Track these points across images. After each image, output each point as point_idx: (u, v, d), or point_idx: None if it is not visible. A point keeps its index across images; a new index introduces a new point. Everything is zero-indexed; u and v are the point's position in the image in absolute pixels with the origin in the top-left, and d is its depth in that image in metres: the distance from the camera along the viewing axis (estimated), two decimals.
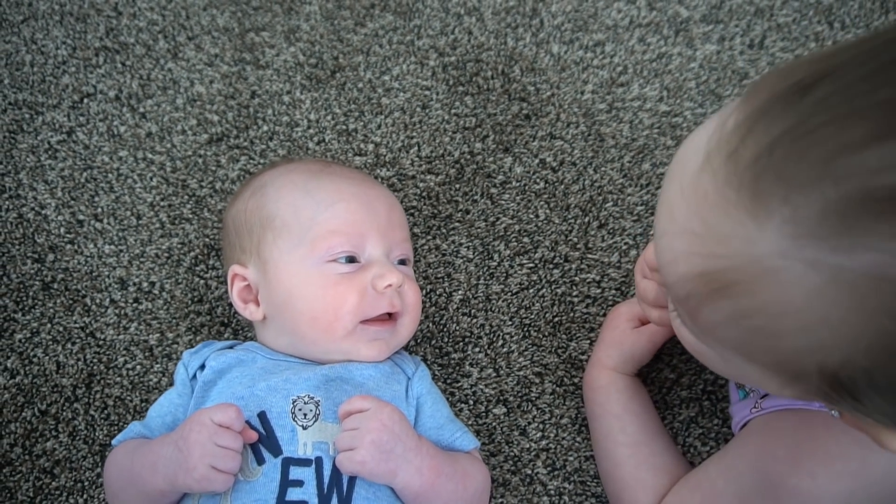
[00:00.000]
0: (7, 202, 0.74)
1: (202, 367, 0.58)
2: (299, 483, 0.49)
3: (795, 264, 0.31)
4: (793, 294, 0.31)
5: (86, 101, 0.79)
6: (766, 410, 0.50)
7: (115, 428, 0.65)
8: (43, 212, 0.74)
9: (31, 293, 0.71)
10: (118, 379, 0.67)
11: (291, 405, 0.52)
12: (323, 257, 0.56)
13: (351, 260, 0.57)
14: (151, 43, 0.81)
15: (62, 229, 0.73)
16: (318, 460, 0.50)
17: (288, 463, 0.50)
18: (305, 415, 0.52)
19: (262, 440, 0.51)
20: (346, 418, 0.51)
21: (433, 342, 0.69)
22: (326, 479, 0.50)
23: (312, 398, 0.53)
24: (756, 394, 0.52)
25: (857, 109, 0.30)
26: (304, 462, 0.50)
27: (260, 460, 0.50)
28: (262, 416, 0.52)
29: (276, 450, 0.51)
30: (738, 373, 0.42)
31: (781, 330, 0.32)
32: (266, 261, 0.57)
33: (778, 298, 0.32)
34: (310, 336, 0.56)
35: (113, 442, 0.58)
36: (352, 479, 0.50)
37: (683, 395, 0.65)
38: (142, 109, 0.78)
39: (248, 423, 0.52)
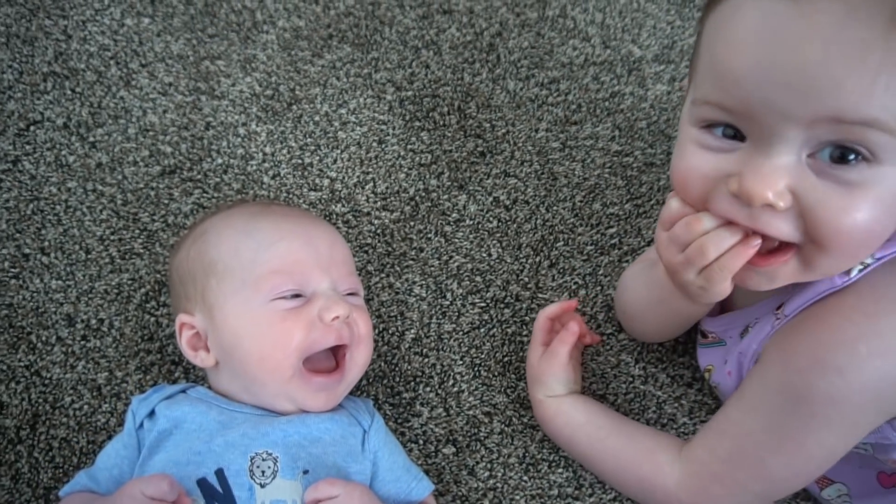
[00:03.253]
0: None
1: (151, 413, 0.57)
2: None
3: None
4: None
5: (32, 128, 0.77)
6: (788, 317, 0.49)
7: (60, 471, 0.65)
8: None
9: None
10: (64, 419, 0.67)
11: (249, 462, 0.53)
12: (267, 296, 0.56)
13: (296, 296, 0.57)
14: (103, 69, 0.79)
15: (6, 263, 0.72)
16: None
17: None
18: (263, 472, 0.52)
19: (219, 499, 0.51)
20: None
21: (385, 381, 0.70)
22: None
23: (270, 454, 0.53)
24: (768, 318, 0.51)
25: None
26: None
27: None
28: (219, 473, 0.52)
29: None
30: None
31: None
32: (212, 306, 0.57)
33: None
34: (259, 378, 0.56)
35: (60, 493, 0.57)
36: None
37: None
38: (92, 139, 0.77)
39: (203, 480, 0.52)
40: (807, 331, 0.47)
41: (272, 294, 0.56)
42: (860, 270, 0.46)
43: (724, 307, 0.60)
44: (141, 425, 0.57)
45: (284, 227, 0.59)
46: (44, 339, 0.69)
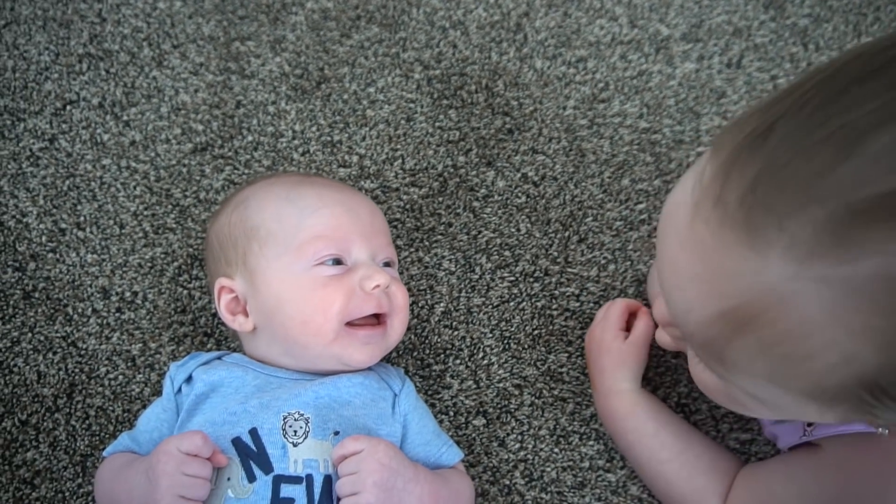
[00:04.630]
0: None
1: (188, 379, 0.58)
2: (290, 501, 0.50)
3: (807, 284, 0.32)
4: (811, 313, 0.33)
5: (69, 108, 0.78)
6: (818, 436, 0.50)
7: (97, 438, 0.66)
8: (24, 220, 0.74)
9: (11, 302, 0.70)
10: (100, 389, 0.68)
11: (282, 422, 0.53)
12: (310, 262, 0.57)
13: (338, 263, 0.58)
14: (136, 50, 0.81)
15: (44, 238, 0.73)
16: (309, 478, 0.51)
17: (279, 480, 0.51)
18: (296, 432, 0.53)
19: (253, 457, 0.52)
20: (340, 462, 0.51)
21: (415, 354, 0.70)
22: (317, 497, 0.50)
23: (302, 415, 0.54)
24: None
25: (817, 139, 0.32)
26: (294, 479, 0.51)
27: (251, 478, 0.51)
28: (252, 432, 0.53)
29: (267, 467, 0.52)
30: (773, 408, 0.41)
31: (811, 350, 0.34)
32: (253, 270, 0.58)
33: (799, 320, 0.33)
34: (301, 341, 0.57)
35: (104, 453, 0.58)
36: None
37: None
38: (125, 117, 0.78)
39: (238, 439, 0.52)
40: (868, 459, 0.47)
41: (314, 259, 0.56)
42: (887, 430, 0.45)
43: None
44: (179, 390, 0.58)
45: (327, 195, 0.60)
46: (80, 311, 0.70)
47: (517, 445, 0.66)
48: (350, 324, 0.57)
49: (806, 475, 0.52)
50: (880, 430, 0.43)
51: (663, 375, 0.67)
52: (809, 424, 0.52)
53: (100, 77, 0.80)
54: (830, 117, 0.32)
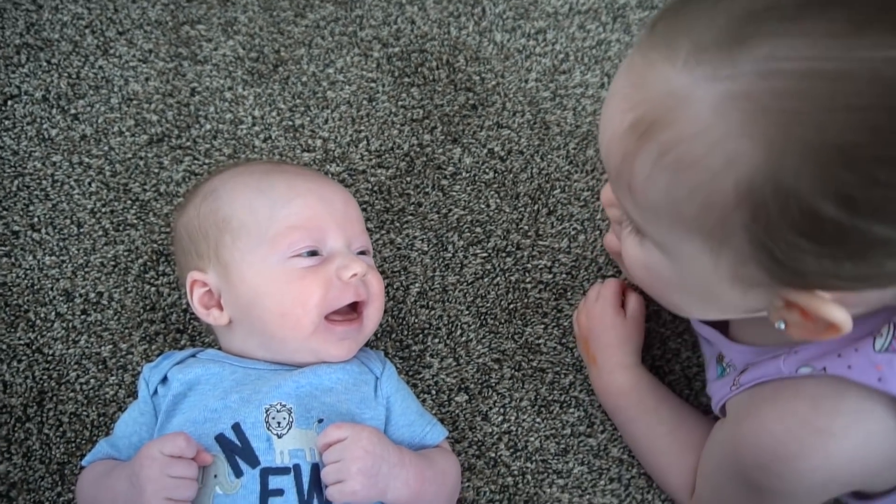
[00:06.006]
0: None
1: (164, 379, 0.57)
2: (279, 492, 0.50)
3: (700, 84, 0.36)
4: (699, 111, 0.36)
5: (10, 103, 0.74)
6: (745, 386, 0.51)
7: (73, 445, 0.64)
8: None
9: None
10: (71, 394, 0.66)
11: (265, 414, 0.53)
12: (285, 254, 0.56)
13: (313, 254, 0.57)
14: (78, 39, 0.77)
15: None
16: (297, 468, 0.51)
17: (266, 473, 0.50)
18: (279, 423, 0.53)
19: (238, 452, 0.51)
20: (325, 450, 0.51)
21: (393, 336, 0.70)
22: (306, 486, 0.51)
23: (284, 406, 0.53)
24: (733, 370, 0.54)
25: None
26: (282, 471, 0.51)
27: (238, 473, 0.51)
28: (236, 427, 0.52)
29: (253, 461, 0.51)
30: (679, 272, 0.43)
31: (699, 154, 0.36)
32: (227, 263, 0.57)
33: (691, 119, 0.36)
34: (279, 334, 0.56)
35: (83, 462, 0.57)
36: None
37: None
38: (73, 111, 0.75)
39: (221, 436, 0.52)
40: (755, 428, 0.49)
41: (290, 251, 0.56)
42: (811, 372, 0.46)
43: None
44: (155, 392, 0.57)
45: (299, 184, 0.59)
46: (42, 315, 0.68)
47: (500, 418, 0.67)
48: (328, 318, 0.56)
49: (714, 449, 0.55)
50: (777, 323, 0.42)
51: None
52: (741, 372, 0.52)
53: (41, 69, 0.76)
54: None
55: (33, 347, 0.67)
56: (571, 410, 0.67)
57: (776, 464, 0.47)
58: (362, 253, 0.61)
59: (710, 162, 0.36)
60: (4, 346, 0.67)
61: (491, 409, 0.68)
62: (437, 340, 0.70)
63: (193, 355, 0.60)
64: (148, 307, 0.69)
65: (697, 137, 0.36)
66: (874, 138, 0.33)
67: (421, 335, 0.70)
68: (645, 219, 0.42)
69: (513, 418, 0.67)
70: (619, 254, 0.57)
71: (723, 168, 0.36)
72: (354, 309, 0.59)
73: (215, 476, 0.51)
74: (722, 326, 0.57)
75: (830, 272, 0.37)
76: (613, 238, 0.58)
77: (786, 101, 0.34)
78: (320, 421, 0.54)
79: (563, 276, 0.73)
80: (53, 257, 0.70)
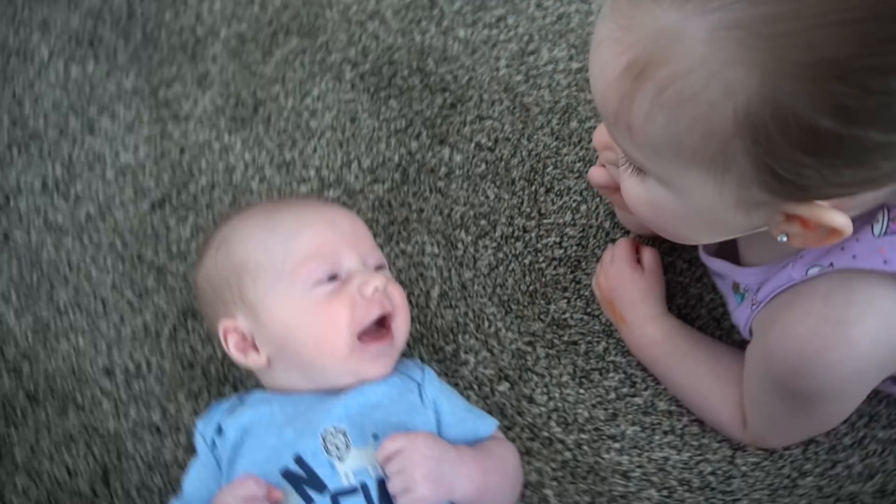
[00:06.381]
0: None
1: (218, 430, 0.59)
2: None
3: (689, 18, 0.36)
4: (693, 46, 0.36)
5: (12, 199, 0.76)
6: (763, 303, 0.52)
7: None
8: (3, 323, 0.72)
9: (18, 408, 0.69)
10: (134, 466, 0.68)
11: (322, 441, 0.54)
12: (306, 283, 0.58)
13: (333, 278, 0.59)
14: (63, 124, 0.79)
15: (29, 334, 0.72)
16: (364, 486, 0.53)
17: (337, 496, 0.52)
18: (337, 447, 0.54)
19: (306, 482, 0.53)
20: (385, 464, 0.52)
21: (424, 342, 0.72)
22: (376, 501, 0.52)
23: (339, 429, 0.55)
24: (750, 293, 0.55)
25: None
26: (351, 491, 0.52)
27: (308, 501, 0.53)
28: (298, 459, 0.54)
29: (320, 487, 0.53)
30: (683, 203, 0.44)
31: (697, 87, 0.37)
32: (253, 305, 0.58)
33: (684, 55, 0.37)
34: (318, 362, 0.58)
35: None
36: None
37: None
38: (73, 193, 0.77)
39: (286, 470, 0.54)
40: (779, 336, 0.50)
41: (310, 280, 0.57)
42: (820, 270, 0.47)
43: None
44: (214, 444, 0.59)
45: (304, 214, 0.61)
46: (89, 396, 0.70)
47: (545, 398, 0.69)
48: (360, 339, 0.58)
49: (752, 369, 0.56)
50: (779, 236, 0.43)
51: None
52: (757, 291, 0.53)
53: (34, 160, 0.78)
54: None
55: (88, 428, 0.69)
56: (611, 375, 0.69)
57: (805, 363, 0.48)
58: (379, 268, 0.63)
59: (708, 94, 0.37)
60: (60, 434, 0.69)
61: (534, 391, 0.69)
62: (467, 336, 0.72)
63: (240, 400, 0.62)
64: (186, 365, 0.71)
65: (693, 72, 0.37)
66: (864, 49, 0.34)
67: (451, 335, 0.72)
68: (646, 157, 0.43)
69: (557, 395, 0.69)
70: (605, 186, 0.59)
71: (721, 98, 0.36)
72: (383, 325, 0.61)
73: None
74: (731, 256, 0.59)
75: (831, 181, 0.38)
76: (598, 171, 0.59)
77: (777, 25, 0.34)
78: (375, 436, 0.56)
79: (574, 248, 0.74)
80: (86, 338, 0.72)
